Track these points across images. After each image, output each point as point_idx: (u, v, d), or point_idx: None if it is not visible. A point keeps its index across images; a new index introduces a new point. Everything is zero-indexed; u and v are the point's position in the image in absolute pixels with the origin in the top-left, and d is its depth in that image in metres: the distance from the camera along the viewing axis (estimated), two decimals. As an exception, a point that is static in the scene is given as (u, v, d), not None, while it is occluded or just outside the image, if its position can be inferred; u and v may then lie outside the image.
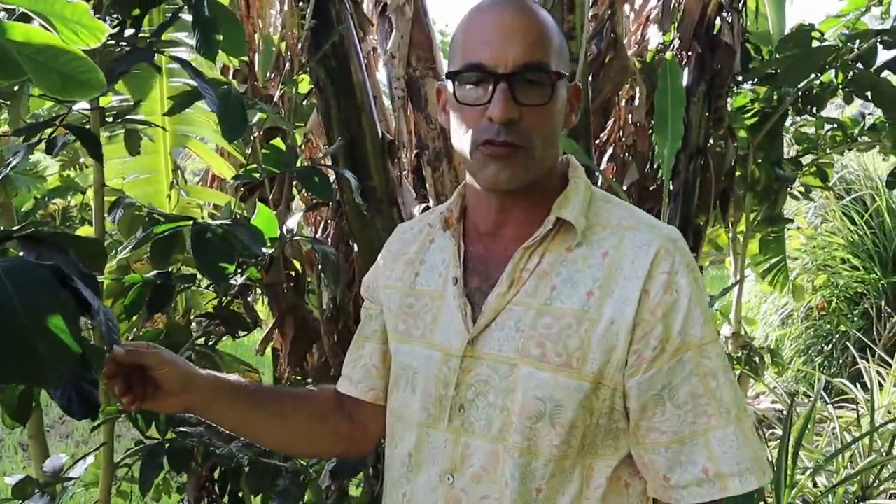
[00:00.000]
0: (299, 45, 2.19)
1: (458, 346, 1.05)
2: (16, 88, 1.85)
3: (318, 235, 2.76)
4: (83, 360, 1.01)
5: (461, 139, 1.03)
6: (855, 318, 5.50)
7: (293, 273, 2.57)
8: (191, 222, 1.64)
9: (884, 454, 3.60)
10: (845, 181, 5.98)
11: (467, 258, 1.10)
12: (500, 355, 1.02)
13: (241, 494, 2.04)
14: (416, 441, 1.09)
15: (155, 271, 1.84)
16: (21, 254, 0.97)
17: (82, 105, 1.69)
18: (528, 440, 1.00)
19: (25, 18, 0.91)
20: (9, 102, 1.95)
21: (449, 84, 1.04)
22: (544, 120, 1.00)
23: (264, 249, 1.74)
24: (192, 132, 2.44)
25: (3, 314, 0.81)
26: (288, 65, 2.35)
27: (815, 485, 3.44)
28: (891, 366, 4.47)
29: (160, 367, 1.09)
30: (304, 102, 2.36)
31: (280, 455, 1.63)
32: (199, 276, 2.06)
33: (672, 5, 2.81)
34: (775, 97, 3.35)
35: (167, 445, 1.58)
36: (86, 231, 2.06)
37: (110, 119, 1.80)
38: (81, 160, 2.58)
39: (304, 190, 2.81)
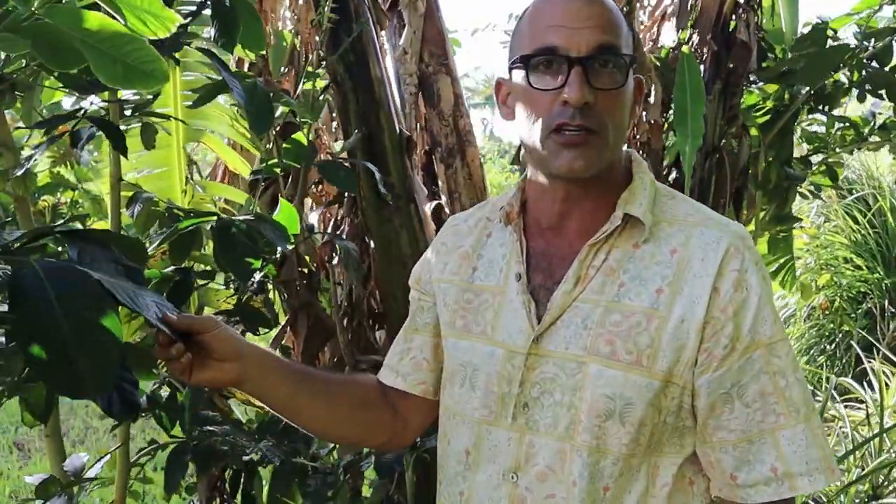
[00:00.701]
0: (318, 39, 2.15)
1: (522, 343, 1.03)
2: (31, 79, 1.81)
3: (329, 233, 2.73)
4: (122, 360, 0.98)
5: (530, 129, 1.01)
6: (858, 318, 5.49)
7: (306, 270, 2.54)
8: (214, 218, 1.61)
9: (894, 455, 3.59)
10: (848, 180, 5.98)
11: (529, 254, 1.08)
12: (566, 353, 1.00)
13: (253, 493, 2.01)
14: (476, 439, 1.07)
15: (172, 267, 1.82)
16: (61, 250, 0.94)
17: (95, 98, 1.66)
18: (596, 439, 0.98)
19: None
20: (23, 94, 1.91)
21: (516, 72, 1.02)
22: (617, 105, 0.99)
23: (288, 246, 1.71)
24: (206, 126, 2.40)
25: (45, 323, 0.78)
26: (305, 59, 2.32)
27: (825, 484, 3.42)
28: (895, 365, 4.47)
29: (212, 329, 1.05)
30: (321, 98, 2.32)
31: (308, 455, 1.60)
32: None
33: (689, 3, 2.78)
34: (786, 96, 3.33)
35: (193, 445, 1.54)
36: (100, 226, 2.02)
37: (128, 112, 1.77)
38: (92, 155, 2.54)
39: (314, 187, 2.78)
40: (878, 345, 4.91)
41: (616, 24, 0.99)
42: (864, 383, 4.31)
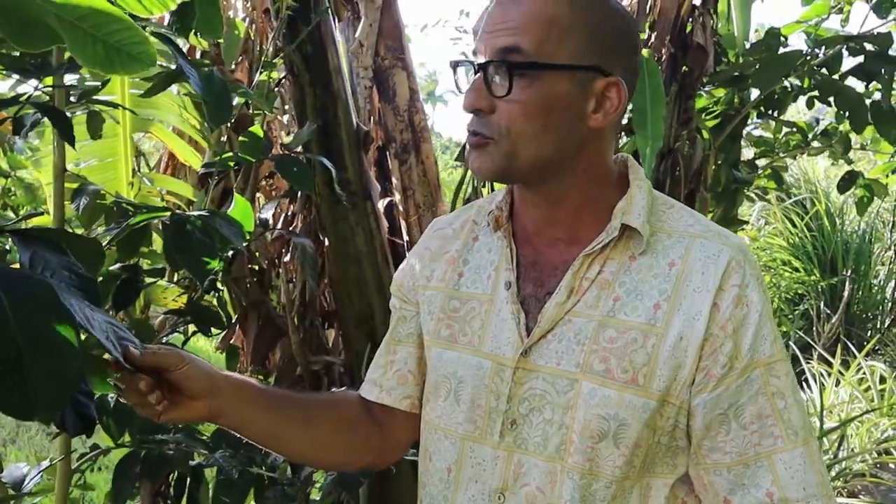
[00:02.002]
0: (273, 29, 2.07)
1: (510, 355, 0.98)
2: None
3: (282, 229, 2.64)
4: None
5: None
6: (795, 319, 5.62)
7: (257, 267, 2.46)
8: (168, 213, 1.53)
9: (832, 456, 3.68)
10: (786, 184, 6.11)
11: (519, 262, 1.03)
12: (557, 369, 0.96)
13: (198, 497, 1.92)
14: (458, 456, 1.02)
15: (119, 264, 1.72)
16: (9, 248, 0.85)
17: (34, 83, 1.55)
18: (589, 461, 0.94)
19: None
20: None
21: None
22: (519, 113, 0.93)
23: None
24: (154, 116, 2.29)
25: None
26: (259, 49, 2.23)
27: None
28: (831, 365, 4.58)
29: (180, 366, 0.97)
30: (275, 89, 2.24)
31: (266, 465, 1.52)
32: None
33: (647, 5, 2.78)
34: (736, 100, 3.37)
35: (143, 454, 1.45)
36: (43, 221, 1.91)
37: (74, 99, 1.67)
38: (26, 142, 2.40)
39: (265, 181, 2.70)
40: (814, 345, 5.03)
41: (533, 25, 0.92)
42: (802, 383, 4.41)
